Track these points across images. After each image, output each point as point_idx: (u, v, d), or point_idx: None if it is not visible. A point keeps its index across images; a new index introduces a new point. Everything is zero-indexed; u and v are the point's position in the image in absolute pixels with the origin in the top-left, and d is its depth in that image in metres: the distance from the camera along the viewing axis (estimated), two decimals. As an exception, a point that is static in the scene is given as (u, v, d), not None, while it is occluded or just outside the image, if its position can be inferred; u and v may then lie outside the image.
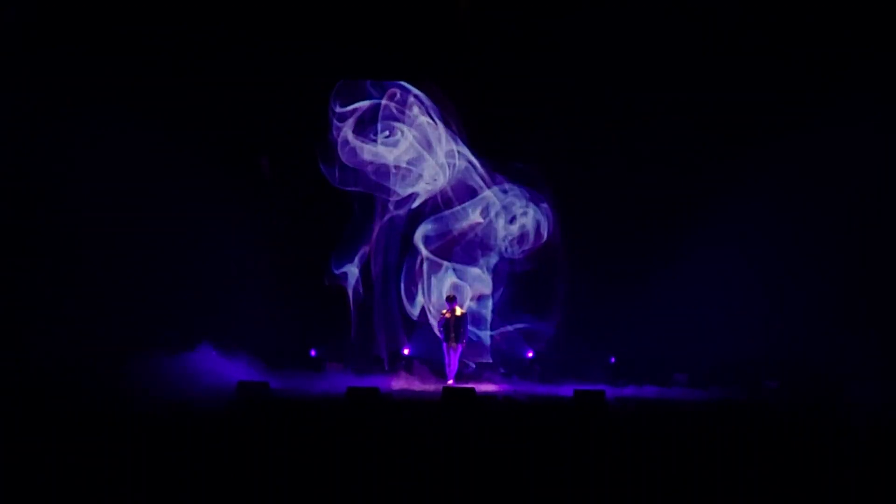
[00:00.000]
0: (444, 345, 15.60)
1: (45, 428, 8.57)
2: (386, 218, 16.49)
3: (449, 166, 16.33)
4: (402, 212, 16.47)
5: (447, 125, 16.35)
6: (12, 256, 14.46)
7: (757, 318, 15.38)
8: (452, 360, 15.59)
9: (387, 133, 16.21)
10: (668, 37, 15.40)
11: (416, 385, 15.25)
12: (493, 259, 16.57)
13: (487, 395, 13.60)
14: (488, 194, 16.40)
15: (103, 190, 15.00)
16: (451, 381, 15.40)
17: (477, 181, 16.47)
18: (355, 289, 16.42)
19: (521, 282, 16.75)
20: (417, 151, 16.26)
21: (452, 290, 16.08)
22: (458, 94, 16.83)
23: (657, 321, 15.78)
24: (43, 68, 14.35)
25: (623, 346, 16.40)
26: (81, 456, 7.72)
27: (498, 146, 16.73)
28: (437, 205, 16.46)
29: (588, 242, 16.54)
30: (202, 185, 15.72)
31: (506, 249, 16.55)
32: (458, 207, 16.40)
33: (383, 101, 16.13)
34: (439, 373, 15.85)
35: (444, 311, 15.69)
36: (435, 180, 16.35)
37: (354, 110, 16.09)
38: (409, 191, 16.37)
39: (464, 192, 16.54)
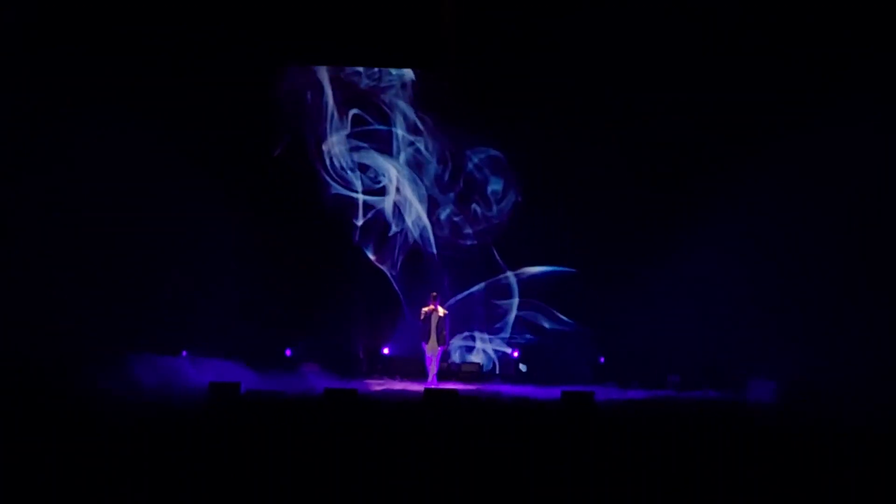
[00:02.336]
0: (423, 344, 15.59)
1: (30, 426, 8.61)
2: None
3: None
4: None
5: None
6: (11, 256, 14.53)
7: (753, 319, 15.32)
8: (434, 361, 15.60)
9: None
10: (668, 37, 15.34)
11: (397, 386, 15.19)
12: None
13: (470, 395, 13.46)
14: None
15: (103, 190, 15.04)
16: (432, 382, 15.40)
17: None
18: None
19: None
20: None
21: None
22: (458, 94, 16.95)
23: (652, 322, 15.79)
24: (43, 68, 14.35)
25: (616, 346, 16.41)
26: (55, 456, 7.73)
27: (496, 145, 16.82)
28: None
29: (587, 242, 16.58)
30: (202, 185, 15.82)
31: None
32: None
33: None
34: (420, 373, 15.83)
35: (426, 308, 15.73)
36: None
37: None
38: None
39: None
